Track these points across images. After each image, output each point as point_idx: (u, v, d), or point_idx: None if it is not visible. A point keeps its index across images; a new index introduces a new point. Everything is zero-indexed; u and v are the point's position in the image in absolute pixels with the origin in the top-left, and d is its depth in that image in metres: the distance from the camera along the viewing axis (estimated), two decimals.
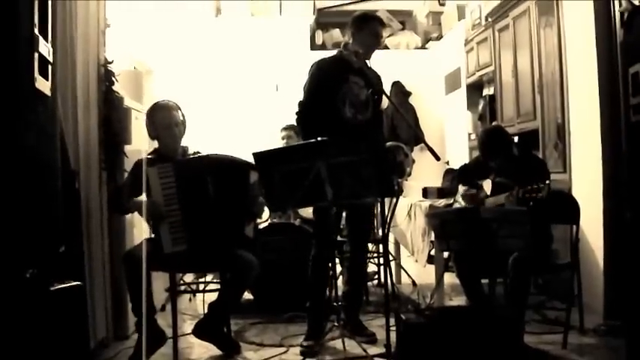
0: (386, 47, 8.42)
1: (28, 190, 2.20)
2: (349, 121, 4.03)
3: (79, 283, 2.49)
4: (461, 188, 4.24)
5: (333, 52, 4.29)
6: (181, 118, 3.93)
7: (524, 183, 3.70)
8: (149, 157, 3.81)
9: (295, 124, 4.27)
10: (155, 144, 4.01)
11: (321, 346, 3.93)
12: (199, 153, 4.00)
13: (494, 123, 6.26)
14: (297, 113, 4.12)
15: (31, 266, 2.16)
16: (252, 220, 3.96)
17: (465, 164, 4.61)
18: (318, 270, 4.03)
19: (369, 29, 4.10)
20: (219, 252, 3.70)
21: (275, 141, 5.65)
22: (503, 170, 4.03)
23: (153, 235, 3.75)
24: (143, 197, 3.60)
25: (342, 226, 4.48)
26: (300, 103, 4.12)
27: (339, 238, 4.66)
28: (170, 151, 3.89)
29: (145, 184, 3.54)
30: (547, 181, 3.66)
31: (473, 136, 7.01)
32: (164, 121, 3.86)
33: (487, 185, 4.10)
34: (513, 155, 4.10)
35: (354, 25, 4.15)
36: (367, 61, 4.08)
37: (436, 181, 5.57)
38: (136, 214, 4.08)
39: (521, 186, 3.71)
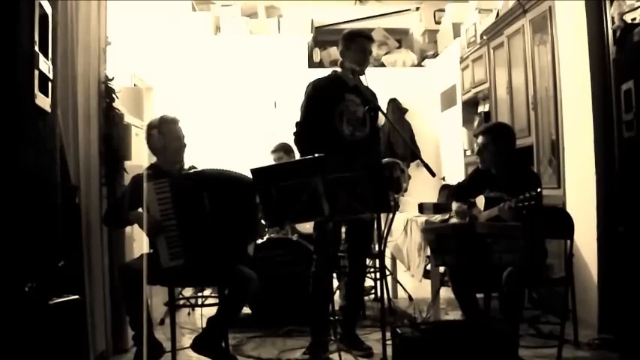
0: (382, 65, 8.51)
1: (27, 205, 2.22)
2: (347, 139, 4.07)
3: (77, 297, 2.48)
4: (454, 205, 4.28)
5: (330, 71, 4.35)
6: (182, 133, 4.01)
7: (517, 194, 3.74)
8: (147, 171, 3.85)
9: (285, 143, 4.28)
10: (152, 159, 4.06)
11: None
12: (195, 168, 4.06)
13: None
14: (294, 134, 4.17)
15: (30, 280, 2.17)
16: (254, 240, 4.00)
17: (460, 183, 4.63)
18: (319, 286, 4.03)
19: (356, 46, 4.15)
20: (218, 266, 3.72)
21: None
22: (498, 182, 4.06)
23: (151, 250, 3.79)
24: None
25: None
26: (298, 124, 4.16)
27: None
28: (170, 164, 3.93)
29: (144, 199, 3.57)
30: (539, 189, 3.69)
31: (468, 152, 7.06)
32: (173, 133, 3.93)
33: (480, 201, 4.13)
34: (509, 162, 4.12)
35: (343, 43, 4.21)
36: (363, 79, 4.13)
37: (432, 197, 5.63)
38: (135, 228, 4.11)
39: (514, 196, 3.75)
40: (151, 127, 3.99)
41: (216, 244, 3.66)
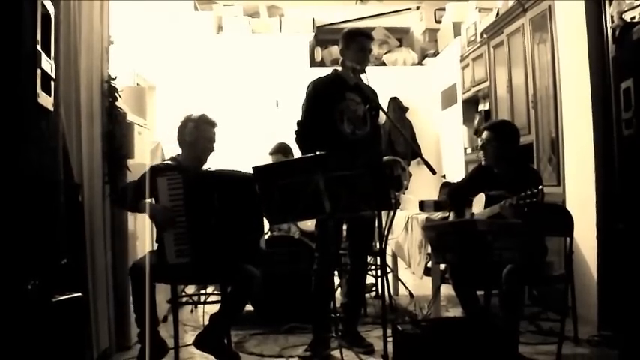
0: (383, 64, 8.54)
1: (30, 204, 2.24)
2: (348, 137, 4.08)
3: (80, 294, 2.49)
4: (451, 217, 4.29)
5: (331, 70, 4.36)
6: None
7: (518, 192, 3.75)
8: (167, 162, 3.86)
9: (283, 143, 4.25)
10: (155, 159, 4.07)
11: (319, 357, 3.97)
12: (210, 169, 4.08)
13: None
14: (295, 133, 4.18)
15: (32, 278, 2.18)
16: (262, 233, 4.04)
17: (459, 183, 4.64)
18: (321, 283, 4.05)
19: (356, 45, 4.15)
20: (221, 264, 3.74)
21: None
22: (499, 180, 4.07)
23: (157, 246, 3.80)
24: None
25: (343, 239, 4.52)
26: (299, 123, 4.18)
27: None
28: (193, 161, 3.94)
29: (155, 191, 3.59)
30: (540, 187, 3.71)
31: (469, 150, 7.09)
32: (207, 133, 3.95)
33: (480, 199, 4.14)
34: (511, 160, 4.12)
35: (343, 42, 4.21)
36: (363, 78, 4.14)
37: (433, 195, 5.64)
38: (139, 227, 4.13)
39: (515, 194, 3.76)
40: (188, 119, 3.99)
41: (221, 241, 3.68)
